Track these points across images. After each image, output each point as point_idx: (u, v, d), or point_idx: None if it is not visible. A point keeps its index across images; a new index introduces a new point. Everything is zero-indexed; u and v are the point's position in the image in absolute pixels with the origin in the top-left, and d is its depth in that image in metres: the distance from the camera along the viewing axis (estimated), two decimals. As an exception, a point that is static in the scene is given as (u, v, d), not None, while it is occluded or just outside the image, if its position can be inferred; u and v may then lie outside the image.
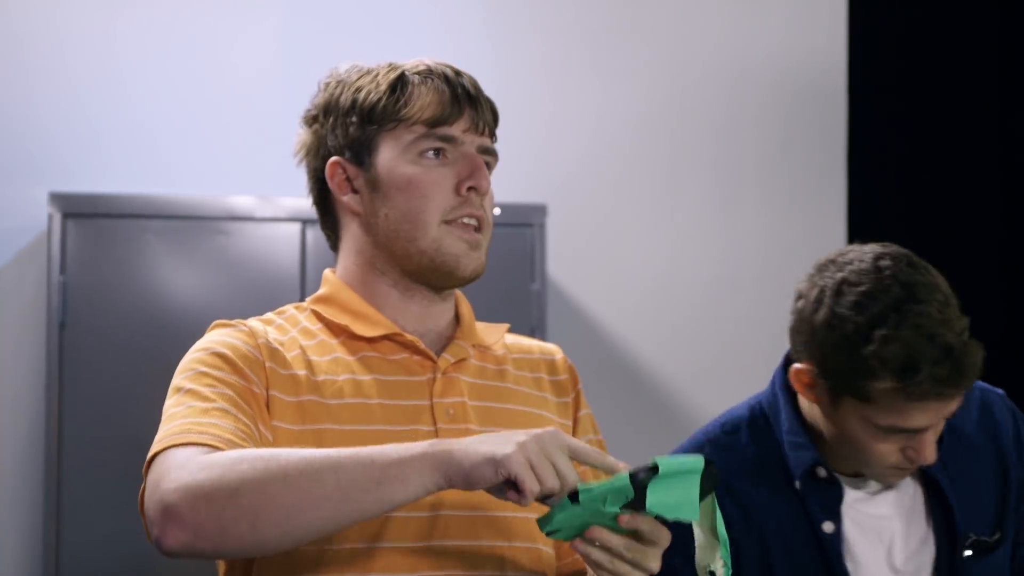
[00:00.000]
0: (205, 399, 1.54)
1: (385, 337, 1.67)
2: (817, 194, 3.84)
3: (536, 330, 3.30)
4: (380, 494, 1.41)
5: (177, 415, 1.53)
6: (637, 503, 1.40)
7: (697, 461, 1.40)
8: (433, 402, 1.65)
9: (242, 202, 3.26)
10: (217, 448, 1.47)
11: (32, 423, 3.43)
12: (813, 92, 3.85)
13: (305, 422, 1.60)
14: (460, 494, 1.60)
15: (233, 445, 1.49)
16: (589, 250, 3.75)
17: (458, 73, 1.72)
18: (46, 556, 3.14)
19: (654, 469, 1.39)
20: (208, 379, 1.57)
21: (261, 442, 1.55)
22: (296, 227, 3.24)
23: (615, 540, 1.45)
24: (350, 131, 1.69)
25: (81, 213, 3.21)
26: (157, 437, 1.52)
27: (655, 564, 1.47)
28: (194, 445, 1.48)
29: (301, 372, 1.62)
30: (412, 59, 1.74)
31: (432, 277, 1.66)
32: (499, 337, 1.77)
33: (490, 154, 1.71)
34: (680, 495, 1.40)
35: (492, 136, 1.73)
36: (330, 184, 1.70)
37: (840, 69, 3.86)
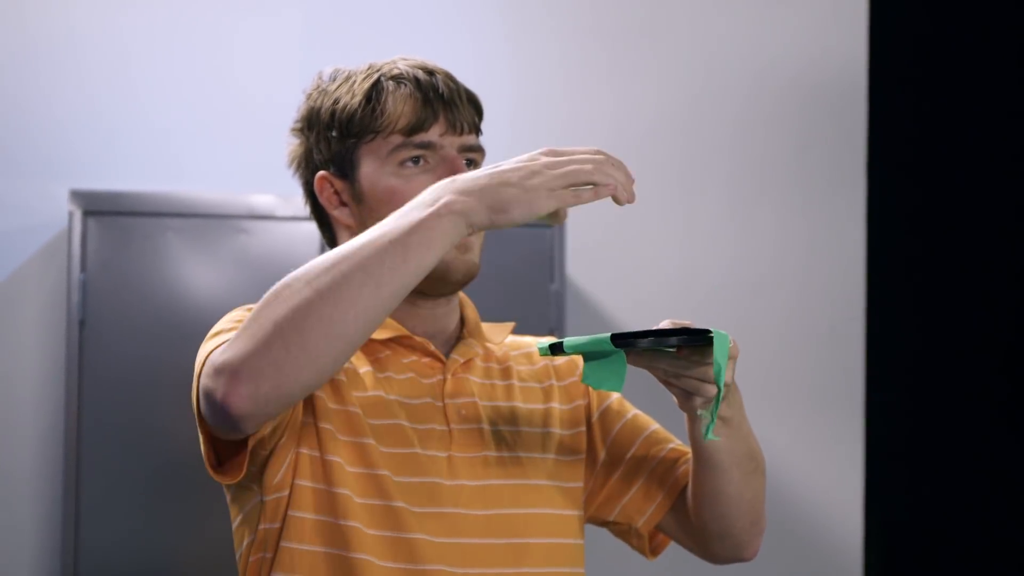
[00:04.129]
0: None
1: (394, 340, 1.68)
2: (836, 195, 3.83)
3: (555, 330, 3.30)
4: (411, 266, 1.40)
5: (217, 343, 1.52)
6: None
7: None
8: (445, 403, 1.66)
9: (263, 201, 3.27)
10: None
11: (51, 420, 3.44)
12: (832, 91, 3.84)
13: (337, 403, 1.61)
14: (477, 493, 1.62)
15: None
16: (608, 250, 3.74)
17: (431, 73, 1.69)
18: (64, 553, 3.15)
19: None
20: None
21: None
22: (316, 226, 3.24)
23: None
24: (332, 145, 1.69)
25: (101, 211, 3.21)
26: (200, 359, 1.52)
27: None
28: None
29: None
30: (390, 58, 1.73)
31: (425, 284, 1.65)
32: (505, 335, 1.78)
33: (474, 151, 1.70)
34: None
35: (476, 131, 1.71)
36: (320, 199, 1.72)
37: (860, 67, 3.85)
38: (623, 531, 1.82)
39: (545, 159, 1.43)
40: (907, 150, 3.94)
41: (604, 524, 1.82)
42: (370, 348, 1.68)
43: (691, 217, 3.79)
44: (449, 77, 1.71)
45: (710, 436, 1.53)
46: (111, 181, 3.48)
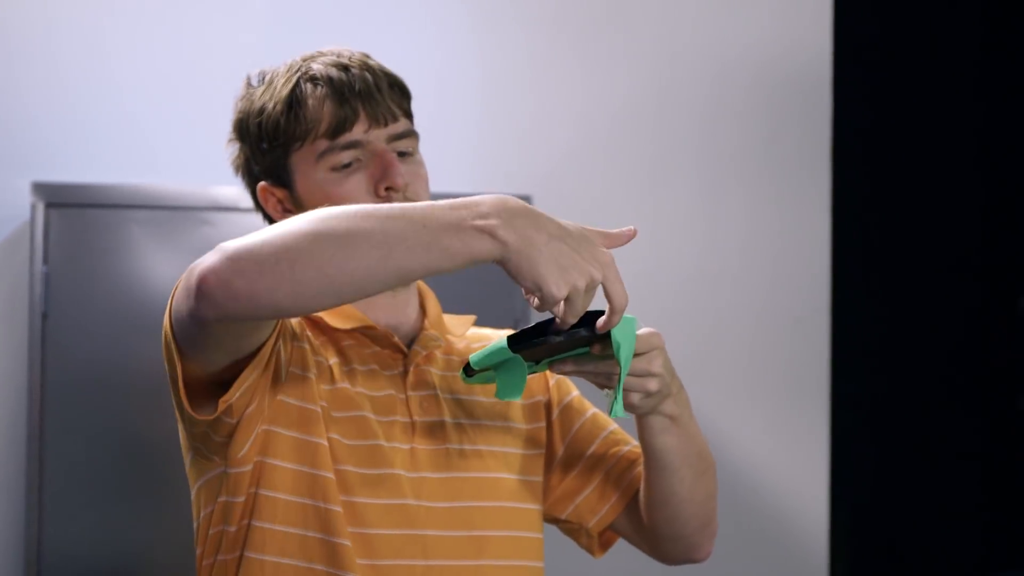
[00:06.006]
0: None
1: (358, 330, 1.68)
2: (801, 186, 3.84)
3: (520, 321, 3.29)
4: (425, 259, 1.35)
5: None
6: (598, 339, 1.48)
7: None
8: (408, 395, 1.66)
9: (226, 192, 3.25)
10: None
11: (13, 414, 3.42)
12: (797, 84, 3.85)
13: (304, 400, 1.61)
14: (439, 486, 1.62)
15: None
16: (574, 241, 3.74)
17: (346, 68, 1.67)
18: (27, 548, 3.13)
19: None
20: None
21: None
22: (280, 218, 3.23)
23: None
24: (265, 156, 1.69)
25: (64, 203, 3.19)
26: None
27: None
28: None
29: (304, 345, 1.63)
30: (312, 51, 1.72)
31: None
32: (467, 328, 1.78)
33: (404, 137, 1.68)
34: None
35: (405, 115, 1.69)
36: (266, 208, 1.72)
37: (825, 60, 3.86)
38: (573, 529, 1.81)
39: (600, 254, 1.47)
40: (872, 142, 3.96)
41: (554, 521, 1.81)
42: (335, 338, 1.68)
43: (658, 208, 3.79)
44: (366, 67, 1.68)
45: (615, 413, 1.49)
46: (74, 173, 3.46)
